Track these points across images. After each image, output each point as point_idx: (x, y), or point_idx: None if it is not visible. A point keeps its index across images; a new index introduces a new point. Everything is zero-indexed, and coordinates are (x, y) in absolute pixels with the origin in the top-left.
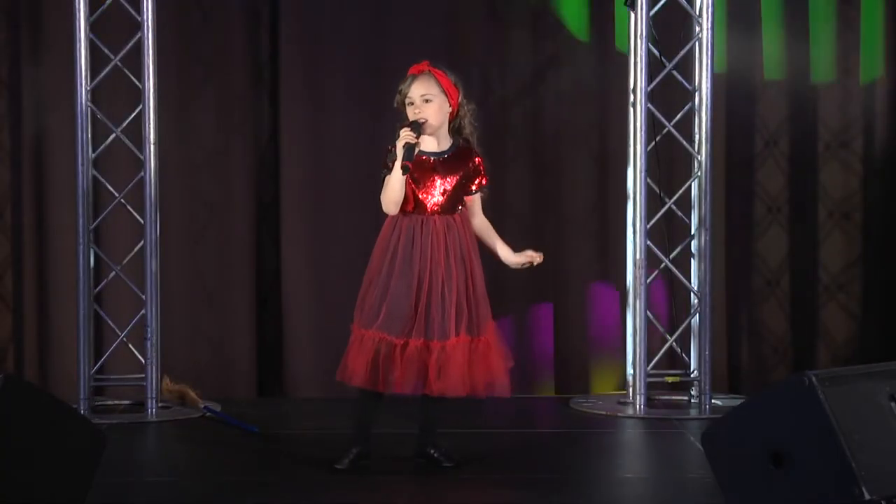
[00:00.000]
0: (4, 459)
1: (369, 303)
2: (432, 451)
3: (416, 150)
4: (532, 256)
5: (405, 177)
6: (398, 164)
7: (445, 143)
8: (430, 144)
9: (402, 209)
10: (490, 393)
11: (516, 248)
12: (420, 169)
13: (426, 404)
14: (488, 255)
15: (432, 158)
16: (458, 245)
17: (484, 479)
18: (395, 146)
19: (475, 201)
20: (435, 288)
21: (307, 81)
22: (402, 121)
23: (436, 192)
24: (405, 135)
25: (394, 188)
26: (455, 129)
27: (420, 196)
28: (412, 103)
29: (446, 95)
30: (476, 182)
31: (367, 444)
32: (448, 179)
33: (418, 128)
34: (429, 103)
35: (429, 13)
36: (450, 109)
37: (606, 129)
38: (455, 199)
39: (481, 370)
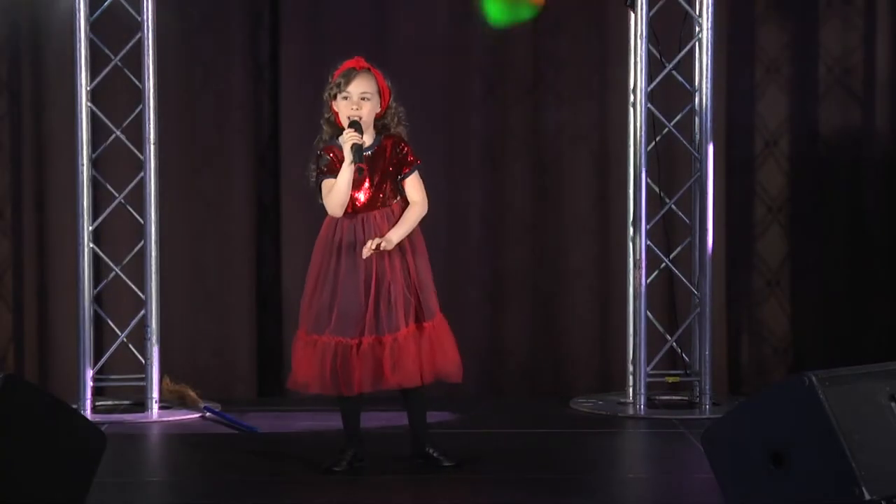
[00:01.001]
0: (4, 459)
1: (317, 307)
2: (431, 451)
3: (364, 149)
4: (371, 244)
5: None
6: (346, 165)
7: (369, 140)
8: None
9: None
10: (444, 378)
11: (515, 249)
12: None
13: (407, 400)
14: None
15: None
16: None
17: (484, 480)
18: (325, 149)
19: (409, 184)
20: (382, 283)
21: (307, 81)
22: (327, 112)
23: (367, 188)
24: (350, 136)
25: (342, 191)
26: (378, 127)
27: (354, 195)
28: (348, 98)
29: (380, 96)
30: (405, 164)
31: (361, 445)
32: (377, 173)
33: (359, 128)
34: (365, 101)
35: (428, 13)
36: (379, 110)
37: (607, 129)
38: (389, 191)
39: (431, 357)
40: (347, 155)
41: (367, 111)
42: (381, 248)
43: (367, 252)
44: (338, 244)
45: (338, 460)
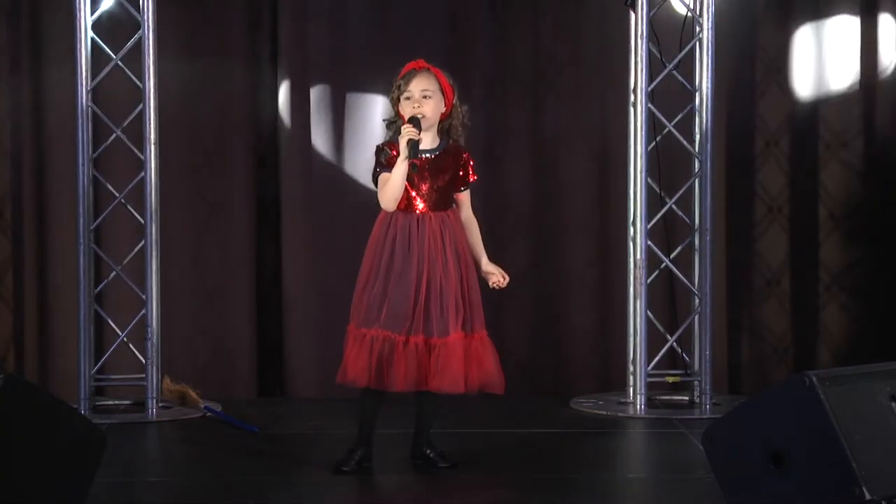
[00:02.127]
0: (4, 459)
1: (368, 301)
2: (428, 452)
3: (420, 147)
4: (500, 276)
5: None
6: (402, 160)
7: (435, 142)
8: (422, 142)
9: (399, 207)
10: (485, 390)
11: (516, 249)
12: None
13: (421, 403)
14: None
15: (423, 156)
16: (454, 242)
17: (484, 480)
18: (387, 145)
19: (464, 198)
20: (434, 285)
21: (308, 80)
22: (393, 115)
23: (427, 190)
24: (408, 131)
25: (396, 185)
26: (445, 128)
27: (412, 194)
28: (410, 98)
29: (443, 94)
30: (465, 179)
31: (370, 446)
32: (439, 177)
33: (418, 124)
34: (427, 99)
35: (430, 13)
36: (443, 109)
37: (607, 129)
38: (446, 197)
39: (476, 367)
40: (403, 150)
41: (430, 108)
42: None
43: (494, 271)
44: (392, 240)
45: (346, 460)
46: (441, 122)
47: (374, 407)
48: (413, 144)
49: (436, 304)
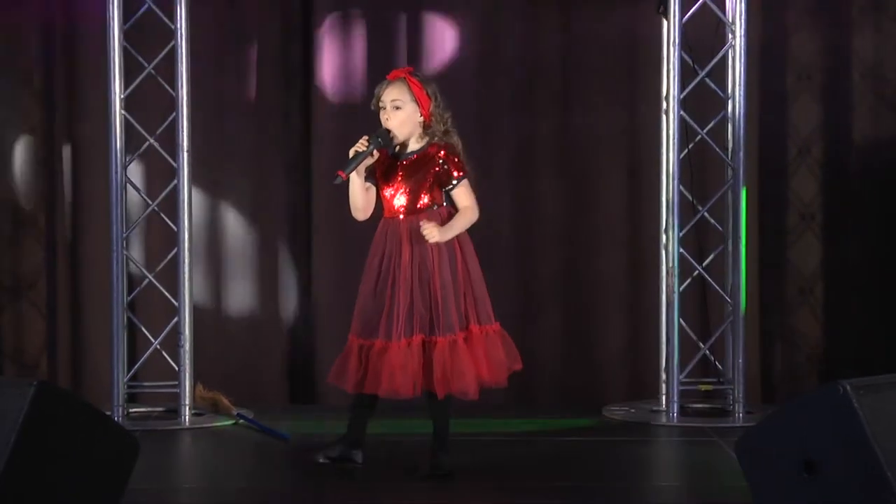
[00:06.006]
0: (38, 466)
1: (359, 309)
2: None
3: (362, 162)
4: (428, 228)
5: (367, 182)
6: (352, 174)
7: (415, 146)
8: (398, 147)
9: (382, 214)
10: (495, 385)
11: (546, 257)
12: (387, 172)
13: (430, 408)
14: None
15: (398, 161)
16: (418, 247)
17: (516, 487)
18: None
19: (456, 195)
20: (397, 290)
21: (339, 87)
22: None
23: (400, 194)
24: (358, 144)
25: (353, 195)
26: (429, 134)
27: (389, 198)
28: (383, 108)
29: (417, 104)
30: (448, 177)
31: (355, 447)
32: (414, 179)
33: (386, 135)
34: (398, 110)
35: (458, 20)
36: (421, 118)
37: (638, 137)
38: (431, 196)
39: (485, 362)
40: (351, 161)
41: (401, 119)
42: (427, 237)
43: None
44: (380, 247)
45: (323, 451)
46: (425, 128)
47: (360, 410)
48: (354, 157)
49: (398, 309)
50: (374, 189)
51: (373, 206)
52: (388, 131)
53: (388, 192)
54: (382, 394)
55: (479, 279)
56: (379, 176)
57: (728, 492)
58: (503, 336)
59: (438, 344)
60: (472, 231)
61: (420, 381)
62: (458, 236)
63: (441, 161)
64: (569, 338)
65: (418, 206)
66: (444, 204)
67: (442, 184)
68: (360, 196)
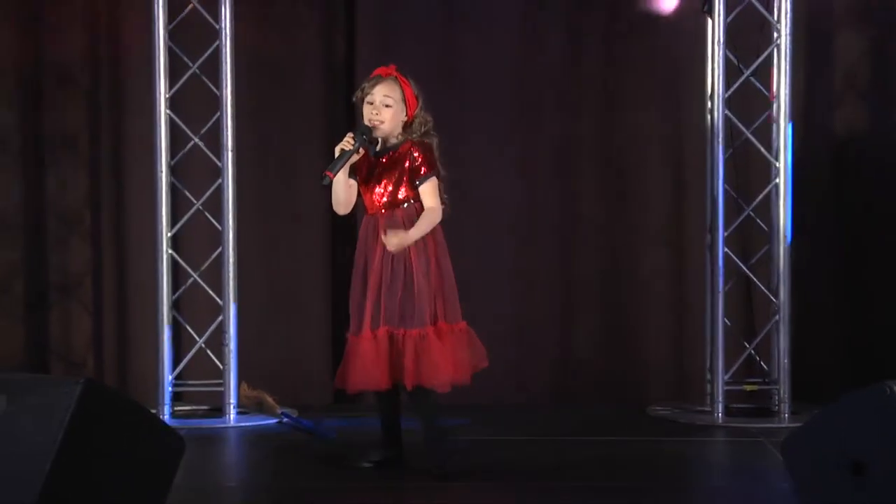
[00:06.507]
0: (84, 463)
1: (351, 304)
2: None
3: (349, 160)
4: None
5: (349, 179)
6: (339, 168)
7: (392, 143)
8: (379, 145)
9: (366, 210)
10: (456, 382)
11: (589, 257)
12: (365, 171)
13: (415, 409)
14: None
15: (375, 159)
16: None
17: (561, 488)
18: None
19: (422, 191)
20: (369, 285)
21: None
22: (357, 119)
23: (378, 191)
24: (345, 141)
25: (335, 192)
26: (407, 133)
27: (365, 196)
28: (372, 103)
29: (405, 104)
30: (417, 173)
31: (393, 448)
32: (390, 176)
33: (368, 132)
34: (388, 108)
35: (500, 18)
36: (404, 119)
37: (682, 136)
38: (407, 192)
39: (451, 359)
40: (337, 159)
41: (389, 117)
42: (390, 241)
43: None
44: (364, 243)
45: (360, 456)
46: (404, 127)
47: (383, 408)
48: (341, 156)
49: (390, 297)
50: (355, 185)
51: (354, 201)
52: (371, 128)
53: (367, 189)
54: (352, 388)
55: (449, 277)
56: (359, 173)
57: (774, 493)
58: (469, 334)
59: (408, 336)
60: (512, 231)
61: (387, 374)
62: (432, 234)
63: (413, 157)
64: (612, 337)
65: (394, 201)
66: (420, 199)
67: (412, 179)
68: (343, 192)
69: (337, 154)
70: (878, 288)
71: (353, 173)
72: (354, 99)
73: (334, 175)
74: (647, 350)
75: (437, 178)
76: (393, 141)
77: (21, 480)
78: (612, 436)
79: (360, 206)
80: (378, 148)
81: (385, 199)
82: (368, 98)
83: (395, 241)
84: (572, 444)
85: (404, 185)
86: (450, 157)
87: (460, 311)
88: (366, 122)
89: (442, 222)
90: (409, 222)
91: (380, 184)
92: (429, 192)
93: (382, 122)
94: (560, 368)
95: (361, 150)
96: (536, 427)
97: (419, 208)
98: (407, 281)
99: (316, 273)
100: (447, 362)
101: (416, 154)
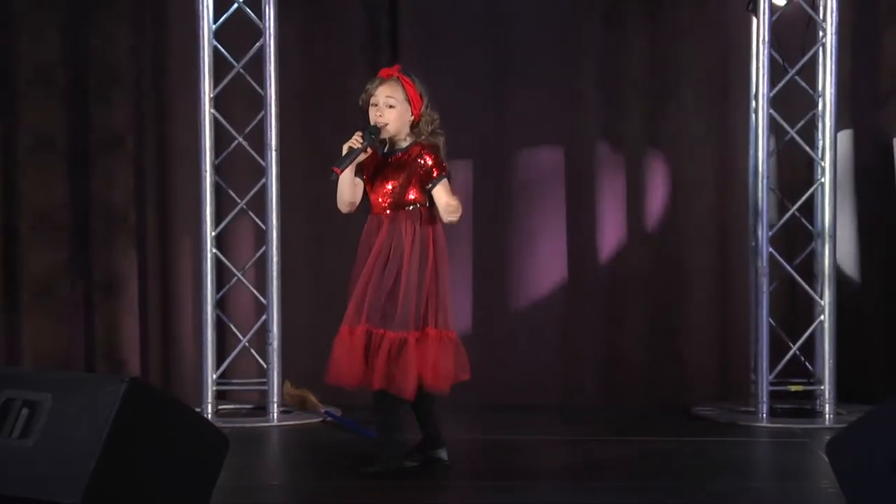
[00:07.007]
0: (129, 462)
1: (352, 302)
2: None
3: (357, 158)
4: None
5: (355, 178)
6: (346, 165)
7: (402, 146)
8: (385, 147)
9: (369, 210)
10: (435, 389)
11: (634, 256)
12: (372, 171)
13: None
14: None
15: (382, 159)
16: (420, 240)
17: (605, 487)
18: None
19: (435, 194)
20: (360, 281)
21: (427, 84)
22: (365, 120)
23: (384, 191)
24: (353, 139)
25: (340, 190)
26: (415, 133)
27: (371, 196)
28: (376, 104)
29: (409, 104)
30: (429, 175)
31: (432, 447)
32: (398, 177)
33: (377, 132)
34: (391, 108)
35: (545, 18)
36: (411, 118)
37: (727, 135)
38: (414, 193)
39: (432, 366)
40: (346, 157)
41: (394, 117)
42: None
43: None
44: (367, 243)
45: (409, 456)
46: (412, 128)
47: (415, 409)
48: (349, 153)
49: (375, 296)
50: (361, 184)
51: (359, 200)
52: (378, 129)
53: (374, 189)
54: (328, 381)
55: (446, 284)
56: (366, 173)
57: (819, 494)
58: (456, 345)
59: (387, 338)
60: (559, 232)
61: (360, 373)
62: (433, 238)
63: (422, 161)
64: (656, 337)
65: (400, 203)
66: (427, 204)
67: (423, 183)
68: (349, 190)
69: (345, 151)
70: None
71: (359, 172)
72: (360, 102)
73: (342, 171)
74: (691, 350)
75: (449, 178)
76: (402, 143)
77: (66, 479)
78: (656, 436)
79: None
80: (386, 148)
81: (390, 199)
82: (372, 100)
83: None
84: (616, 444)
85: (412, 187)
86: (493, 152)
87: (453, 320)
88: (372, 123)
89: (458, 224)
90: (414, 225)
91: (386, 184)
92: (442, 191)
93: (387, 124)
94: (605, 369)
95: (370, 150)
96: (580, 427)
97: (425, 212)
98: (397, 282)
99: None
100: (425, 370)
101: (425, 159)
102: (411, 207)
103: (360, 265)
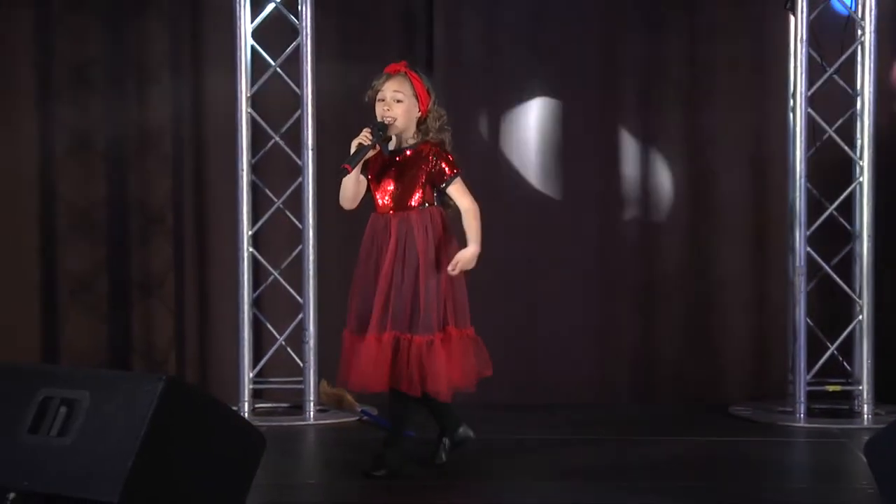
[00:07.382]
0: (166, 460)
1: (353, 304)
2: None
3: (367, 154)
4: (453, 265)
5: (360, 175)
6: (357, 162)
7: (410, 143)
8: (392, 144)
9: (373, 209)
10: (463, 388)
11: (670, 254)
12: (378, 169)
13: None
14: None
15: (389, 157)
16: (431, 239)
17: (640, 487)
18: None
19: (452, 192)
20: (378, 287)
21: (462, 83)
22: (371, 117)
23: (388, 191)
24: (362, 136)
25: (344, 186)
26: (423, 130)
27: (376, 195)
28: (383, 100)
29: (417, 99)
30: (441, 174)
31: (454, 433)
32: (405, 175)
33: (384, 129)
34: (399, 103)
35: (582, 17)
36: (418, 114)
37: (764, 134)
38: (423, 193)
39: (458, 366)
40: (356, 153)
41: (401, 113)
42: (463, 268)
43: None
44: (371, 242)
45: (441, 453)
46: (419, 125)
47: (396, 406)
48: (358, 150)
49: (400, 302)
50: (365, 182)
51: (361, 197)
52: (385, 125)
53: (379, 187)
54: (353, 387)
55: (461, 283)
56: (371, 171)
57: (858, 495)
58: (476, 342)
59: (415, 343)
60: (593, 230)
61: (387, 378)
62: (445, 238)
63: (433, 160)
64: (693, 337)
65: (409, 203)
66: (435, 203)
67: (435, 182)
68: (353, 187)
69: (354, 148)
70: None
71: (364, 170)
72: (367, 98)
73: (353, 168)
74: (728, 349)
75: (461, 177)
76: (409, 141)
77: (104, 477)
78: (693, 436)
79: (366, 204)
80: (392, 147)
81: (396, 198)
82: (379, 95)
83: (465, 263)
84: (652, 444)
85: (420, 188)
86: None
87: (469, 317)
88: (379, 119)
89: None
90: (425, 225)
91: (391, 183)
92: (459, 192)
93: (395, 119)
94: (641, 368)
95: (377, 146)
96: (616, 427)
97: (435, 212)
98: (417, 285)
99: None
100: (453, 370)
101: (436, 159)
102: (421, 207)
103: (363, 266)
